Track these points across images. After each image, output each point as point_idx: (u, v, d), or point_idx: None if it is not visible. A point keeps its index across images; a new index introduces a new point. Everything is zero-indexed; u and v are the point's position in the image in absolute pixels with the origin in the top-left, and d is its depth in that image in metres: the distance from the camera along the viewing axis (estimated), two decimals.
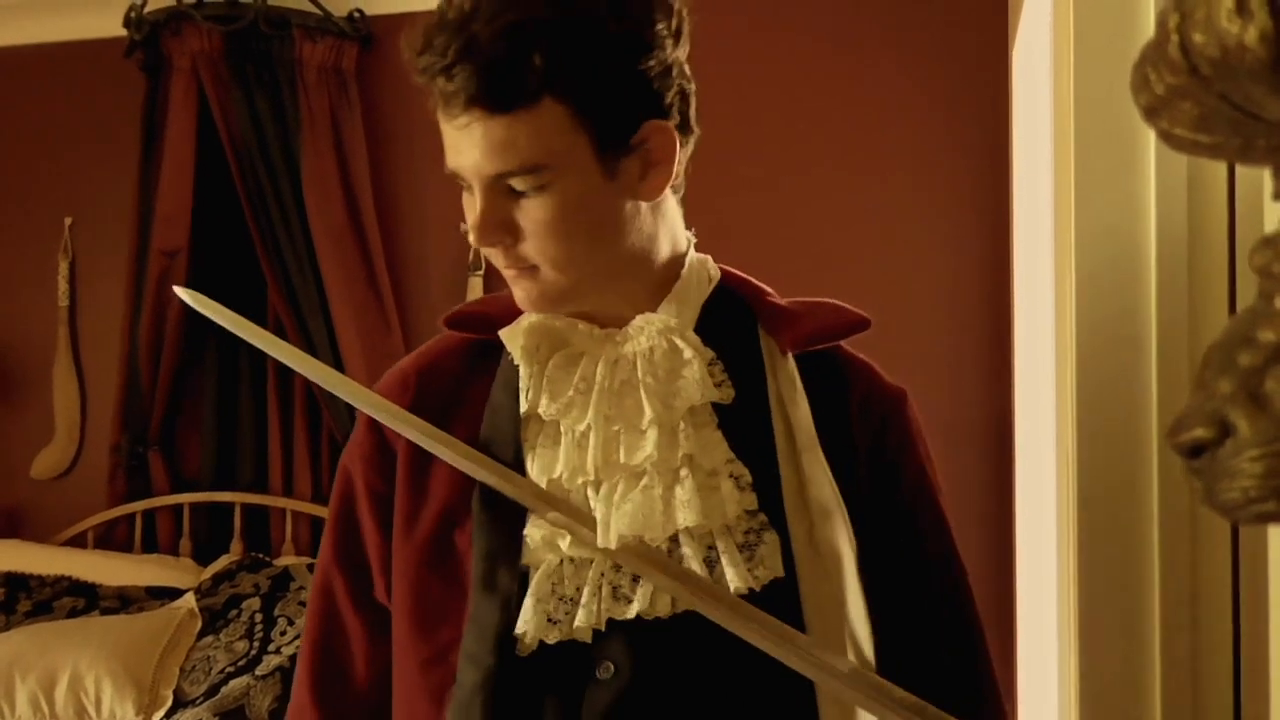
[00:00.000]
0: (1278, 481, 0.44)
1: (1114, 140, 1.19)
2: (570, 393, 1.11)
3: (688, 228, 1.21)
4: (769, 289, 1.21)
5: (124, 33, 3.58)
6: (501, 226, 1.06)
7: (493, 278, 3.58)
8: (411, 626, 1.13)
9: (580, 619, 1.05)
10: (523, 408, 1.12)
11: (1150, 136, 1.13)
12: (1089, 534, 1.60)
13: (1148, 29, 1.08)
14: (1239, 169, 1.27)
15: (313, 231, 3.49)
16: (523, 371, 1.13)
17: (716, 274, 1.20)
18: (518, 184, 1.05)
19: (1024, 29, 2.66)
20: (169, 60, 3.57)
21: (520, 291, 1.12)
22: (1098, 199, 1.26)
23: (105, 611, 3.25)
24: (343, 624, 1.22)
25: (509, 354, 1.16)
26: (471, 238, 1.06)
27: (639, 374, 1.10)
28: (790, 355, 1.16)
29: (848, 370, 1.19)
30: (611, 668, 1.05)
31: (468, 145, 1.05)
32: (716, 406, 1.11)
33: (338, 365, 3.47)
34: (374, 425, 1.20)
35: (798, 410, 1.12)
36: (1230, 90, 0.42)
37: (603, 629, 1.05)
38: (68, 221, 3.89)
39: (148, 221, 3.60)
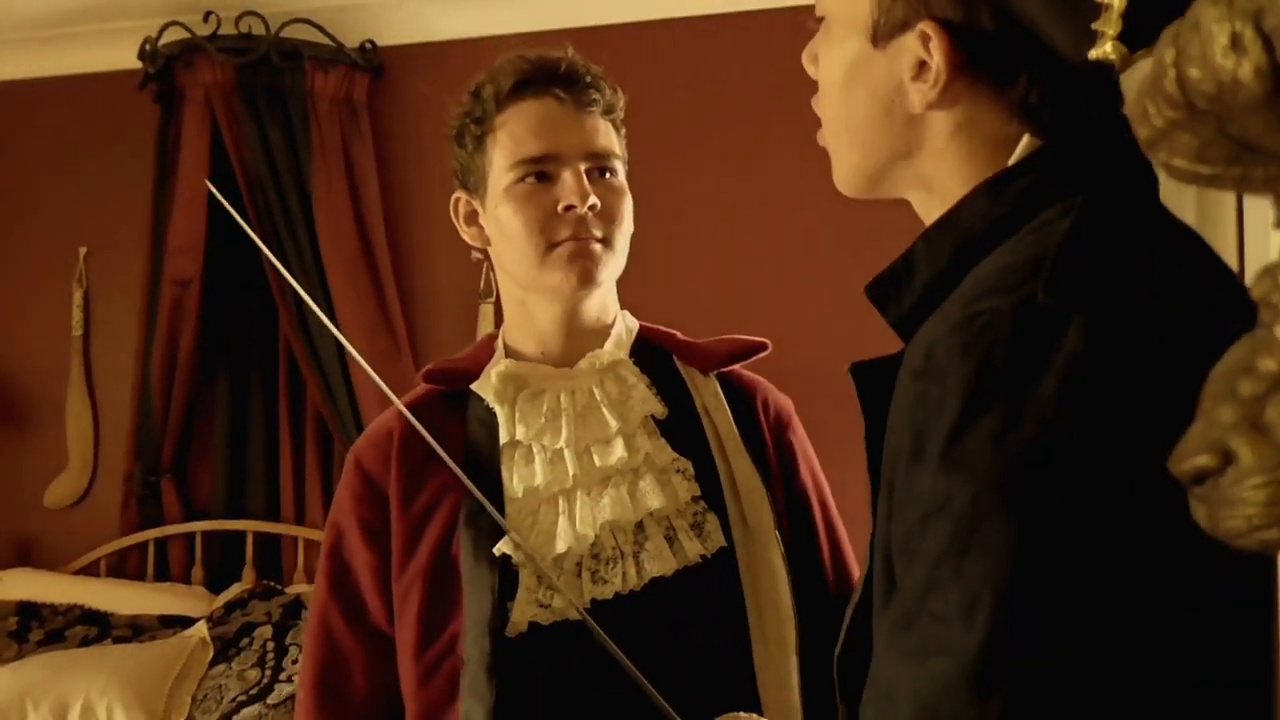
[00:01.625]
0: None
1: None
2: (541, 420, 1.35)
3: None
4: (677, 331, 1.49)
5: (138, 65, 3.62)
6: None
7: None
8: (419, 630, 1.33)
9: (562, 600, 1.27)
10: (502, 439, 1.36)
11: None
12: None
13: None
14: (1247, 197, 1.27)
15: (324, 260, 3.51)
16: (499, 411, 1.37)
17: (635, 325, 1.46)
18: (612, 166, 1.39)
19: None
20: (182, 92, 3.61)
21: (598, 263, 1.35)
22: None
23: (117, 640, 3.25)
24: (342, 648, 1.39)
25: (478, 400, 1.39)
26: None
27: (597, 398, 1.36)
28: (712, 376, 1.44)
29: (750, 384, 1.48)
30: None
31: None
32: (655, 420, 1.38)
33: (349, 392, 3.49)
34: (363, 473, 1.40)
35: (722, 416, 1.41)
36: (1227, 123, 0.43)
37: (587, 607, 1.27)
38: (82, 251, 3.92)
39: (161, 251, 3.63)
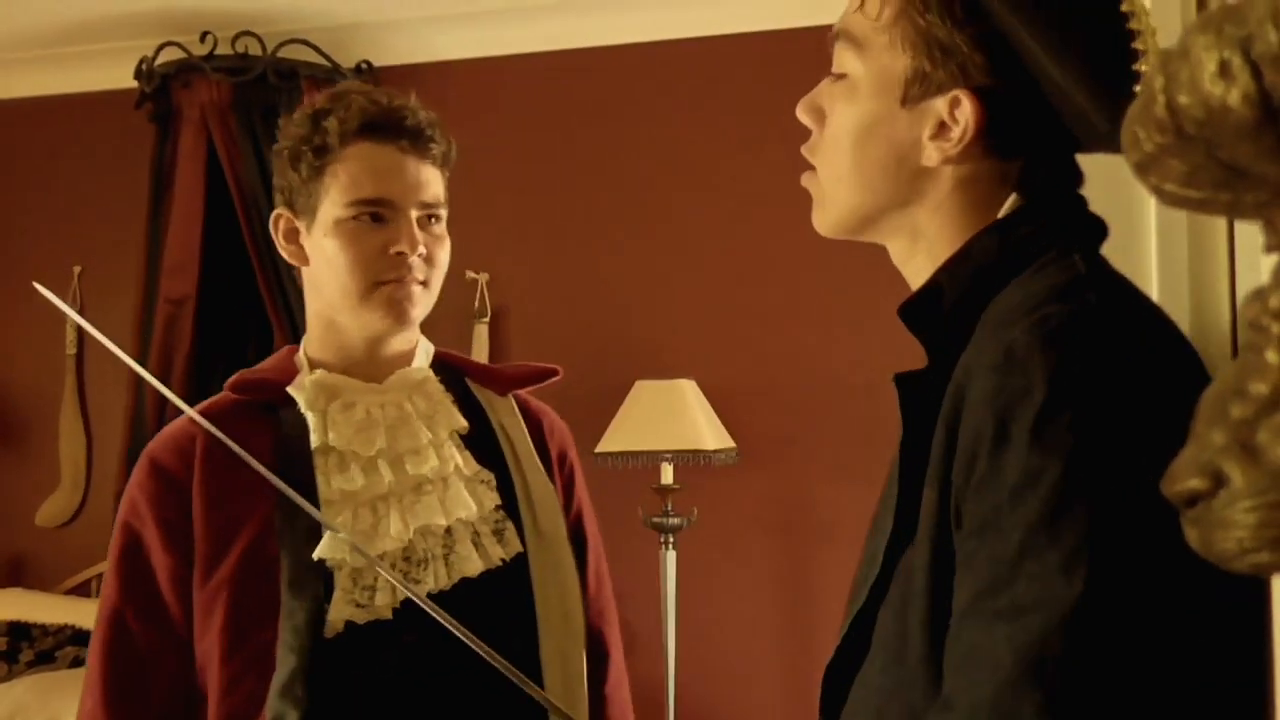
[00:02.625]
0: (1271, 532, 0.45)
1: (1115, 201, 1.21)
2: (354, 430, 1.43)
3: None
4: (471, 357, 1.60)
5: (134, 84, 3.63)
6: None
7: (499, 324, 3.61)
8: (226, 636, 1.35)
9: (380, 599, 1.36)
10: (314, 444, 1.42)
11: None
12: None
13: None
14: (1238, 221, 1.28)
15: None
16: (310, 418, 1.43)
17: (432, 348, 1.57)
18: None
19: None
20: (178, 111, 3.62)
21: (414, 304, 1.45)
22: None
23: None
24: (138, 654, 1.40)
25: (288, 409, 1.45)
26: None
27: (408, 410, 1.47)
28: (509, 396, 1.58)
29: (537, 410, 1.62)
30: (415, 635, 1.36)
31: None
32: (459, 435, 1.50)
33: None
34: (162, 473, 1.42)
35: (519, 433, 1.54)
36: (1216, 149, 0.43)
37: (397, 607, 1.36)
38: (76, 270, 3.92)
39: (156, 270, 3.63)
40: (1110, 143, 0.90)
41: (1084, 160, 1.03)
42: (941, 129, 0.96)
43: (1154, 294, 1.53)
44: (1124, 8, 0.91)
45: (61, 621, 3.38)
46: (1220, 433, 0.46)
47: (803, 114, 1.05)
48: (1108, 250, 1.03)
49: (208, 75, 3.52)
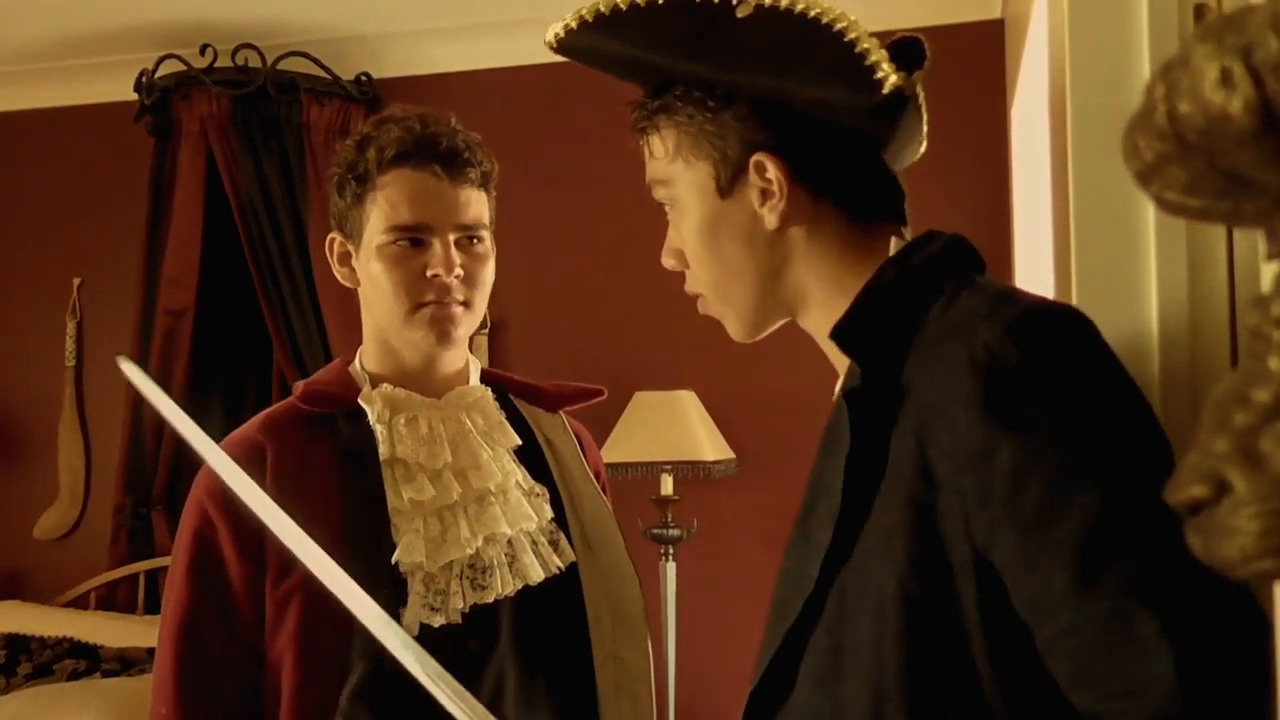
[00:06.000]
0: (1275, 539, 0.44)
1: (1114, 210, 1.21)
2: (420, 443, 1.49)
3: None
4: (515, 375, 1.70)
5: (134, 97, 3.64)
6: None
7: (499, 336, 3.61)
8: (300, 637, 1.39)
9: (452, 603, 1.43)
10: (383, 455, 1.48)
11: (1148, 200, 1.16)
12: None
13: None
14: (1237, 230, 1.28)
15: (319, 292, 3.51)
16: (380, 429, 1.49)
17: (479, 366, 1.64)
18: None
19: (1021, 91, 2.70)
20: (178, 124, 3.62)
21: (457, 324, 1.50)
22: (1099, 267, 1.27)
23: (106, 674, 3.22)
24: (209, 654, 1.43)
25: (346, 421, 1.50)
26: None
27: (467, 426, 1.53)
28: (560, 413, 1.66)
29: (575, 428, 1.70)
30: (478, 641, 1.44)
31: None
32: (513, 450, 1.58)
33: None
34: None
35: (570, 448, 1.63)
36: (1217, 157, 0.43)
37: (466, 611, 1.43)
38: (76, 282, 3.92)
39: (155, 282, 3.63)
40: (878, 116, 1.06)
41: (1083, 166, 1.05)
42: (765, 196, 1.07)
43: (1152, 301, 1.54)
44: (835, 29, 1.04)
45: (60, 634, 3.37)
46: (1223, 440, 0.46)
47: (667, 260, 1.17)
48: (1107, 260, 1.06)
49: (207, 88, 3.53)
